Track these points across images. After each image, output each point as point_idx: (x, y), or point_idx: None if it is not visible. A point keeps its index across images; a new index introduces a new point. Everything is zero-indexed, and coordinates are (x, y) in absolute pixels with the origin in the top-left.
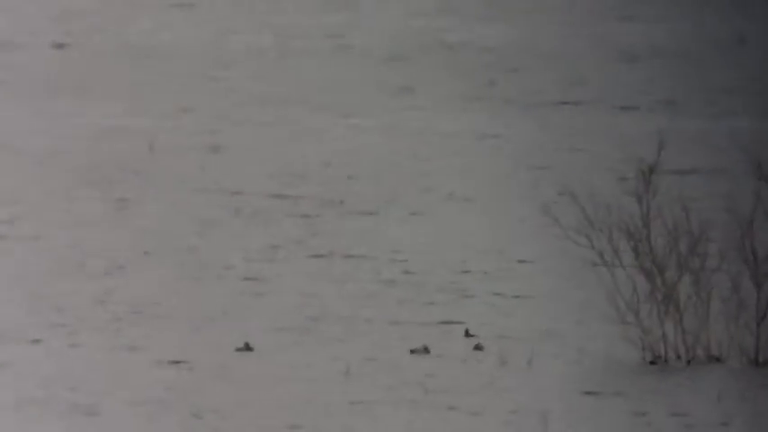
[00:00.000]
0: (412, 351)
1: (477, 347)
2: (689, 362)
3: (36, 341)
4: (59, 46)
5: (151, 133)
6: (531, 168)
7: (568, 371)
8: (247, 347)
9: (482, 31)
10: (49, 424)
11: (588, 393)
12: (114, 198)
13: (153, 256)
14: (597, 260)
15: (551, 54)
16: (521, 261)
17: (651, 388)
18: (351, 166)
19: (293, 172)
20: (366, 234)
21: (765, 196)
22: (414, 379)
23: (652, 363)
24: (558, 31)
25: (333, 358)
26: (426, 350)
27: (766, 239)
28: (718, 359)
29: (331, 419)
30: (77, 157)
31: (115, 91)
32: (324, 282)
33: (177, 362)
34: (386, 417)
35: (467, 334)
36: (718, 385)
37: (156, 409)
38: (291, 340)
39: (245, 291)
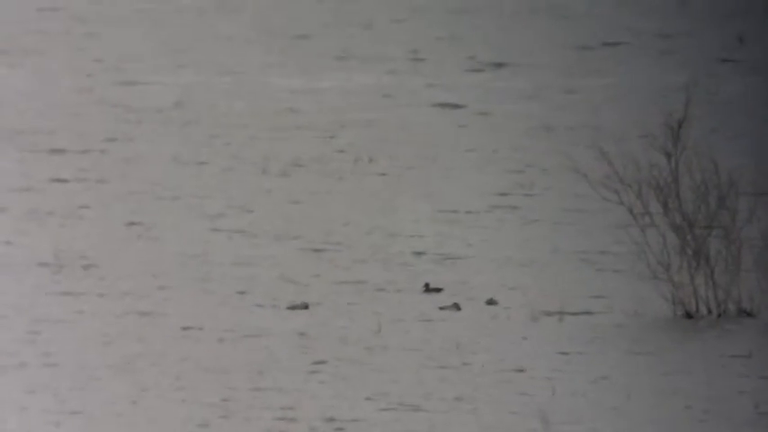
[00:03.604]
0: (441, 308)
1: (491, 302)
2: (719, 315)
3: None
4: None
5: None
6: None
7: (600, 326)
8: (305, 306)
9: None
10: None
11: (619, 349)
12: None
13: None
14: (627, 216)
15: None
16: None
17: (683, 344)
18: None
19: None
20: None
21: None
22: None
23: (688, 316)
24: None
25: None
26: (457, 307)
27: None
28: (749, 313)
29: None
30: None
31: None
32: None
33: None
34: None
35: (426, 288)
36: (750, 340)
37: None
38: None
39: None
